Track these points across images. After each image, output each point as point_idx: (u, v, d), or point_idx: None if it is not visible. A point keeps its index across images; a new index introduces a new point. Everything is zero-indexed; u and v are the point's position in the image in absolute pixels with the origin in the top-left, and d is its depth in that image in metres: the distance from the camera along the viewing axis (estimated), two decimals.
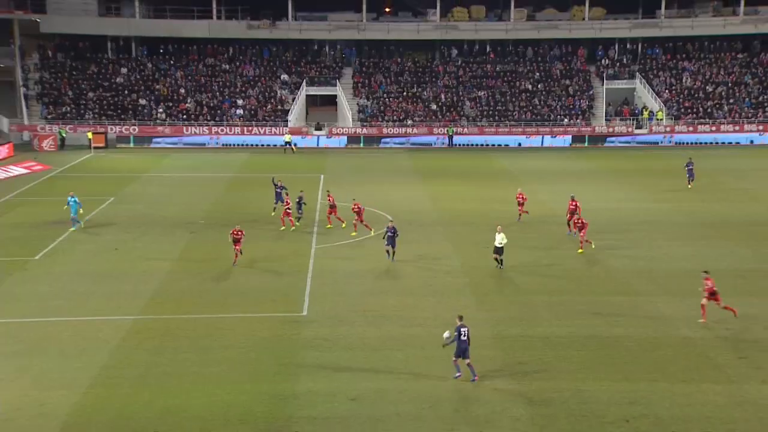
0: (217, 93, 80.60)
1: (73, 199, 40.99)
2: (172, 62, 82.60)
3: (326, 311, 29.65)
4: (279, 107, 79.57)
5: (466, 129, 76.35)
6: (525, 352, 25.93)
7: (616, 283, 32.63)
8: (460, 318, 24.13)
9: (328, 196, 42.35)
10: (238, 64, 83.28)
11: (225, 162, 66.94)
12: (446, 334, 23.95)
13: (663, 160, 64.93)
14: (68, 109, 77.39)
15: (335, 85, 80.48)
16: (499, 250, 33.92)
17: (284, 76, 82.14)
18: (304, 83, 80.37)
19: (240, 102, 79.60)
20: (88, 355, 25.50)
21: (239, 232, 35.52)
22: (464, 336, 23.70)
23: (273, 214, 43.31)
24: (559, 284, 32.42)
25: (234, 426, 21.63)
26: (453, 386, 23.64)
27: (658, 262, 35.48)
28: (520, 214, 42.81)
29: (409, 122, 77.91)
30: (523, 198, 42.82)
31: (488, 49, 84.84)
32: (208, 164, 65.66)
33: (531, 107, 78.86)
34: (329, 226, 41.26)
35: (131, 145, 74.01)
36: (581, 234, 36.45)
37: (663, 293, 31.25)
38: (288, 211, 40.85)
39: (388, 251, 35.21)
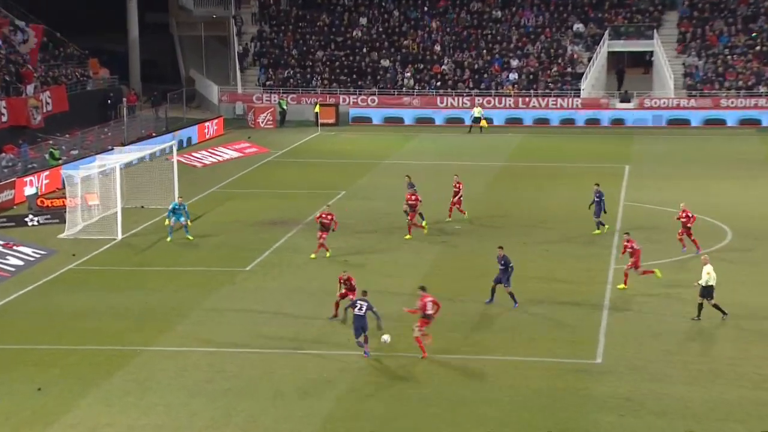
0: (484, 51, 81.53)
1: (181, 207, 42.61)
2: (425, 8, 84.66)
3: (629, 359, 29.00)
4: (569, 69, 78.98)
5: None
6: None
7: None
8: (364, 293, 29.35)
9: (457, 183, 44.79)
10: (514, 9, 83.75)
11: (491, 145, 67.47)
12: (385, 338, 28.98)
13: None
14: (291, 73, 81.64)
15: (651, 38, 78.53)
16: (705, 291, 31.81)
17: (578, 26, 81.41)
18: (606, 36, 79.19)
19: (515, 63, 79.93)
20: (309, 399, 26.47)
21: (329, 216, 38.05)
22: (359, 310, 28.73)
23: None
24: None
25: None
26: None
27: None
28: None
29: (763, 90, 74.25)
30: None
31: None
32: (469, 148, 66.46)
33: None
34: (449, 219, 44.57)
35: (370, 121, 76.64)
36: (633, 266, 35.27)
37: None
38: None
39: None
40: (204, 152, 64.26)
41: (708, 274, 31.74)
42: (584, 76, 77.01)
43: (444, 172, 54.62)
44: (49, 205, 48.65)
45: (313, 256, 39.15)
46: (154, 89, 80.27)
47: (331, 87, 79.91)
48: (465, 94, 77.66)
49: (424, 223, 43.06)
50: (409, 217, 42.31)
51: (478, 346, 30.23)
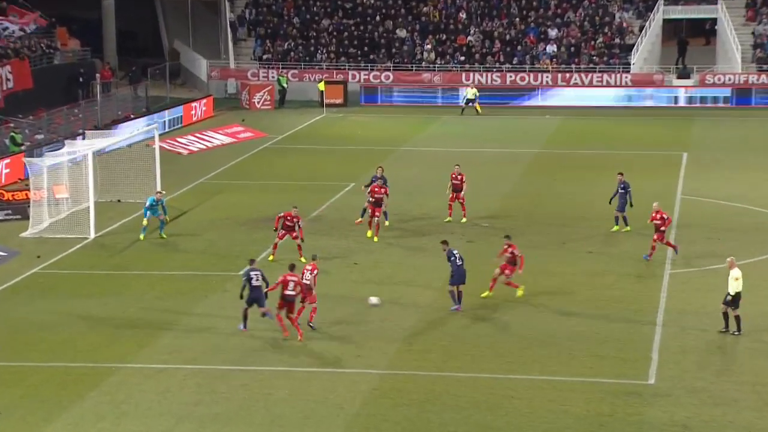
0: (517, 19, 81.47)
1: (159, 203, 42.69)
2: None
3: (687, 380, 29.02)
4: (616, 40, 78.86)
5: None
6: None
7: None
8: (251, 261, 32.71)
9: (458, 175, 44.58)
10: None
11: (525, 129, 67.50)
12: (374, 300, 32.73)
13: None
14: (292, 45, 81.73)
15: (714, 2, 78.31)
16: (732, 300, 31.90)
17: None
18: (660, 1, 78.99)
19: (553, 33, 79.86)
20: (312, 425, 26.51)
21: (294, 218, 38.73)
22: (256, 281, 31.61)
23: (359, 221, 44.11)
24: None
25: None
26: None
27: None
28: None
29: None
30: None
31: None
32: (499, 133, 66.49)
33: None
34: (448, 219, 44.60)
35: (383, 100, 76.69)
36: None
37: None
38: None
39: None
40: (190, 137, 64.43)
41: (737, 280, 31.68)
42: (635, 48, 76.92)
43: (472, 160, 54.70)
44: (10, 198, 48.80)
45: (271, 258, 39.26)
46: (133, 64, 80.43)
47: (338, 61, 79.99)
48: (495, 70, 77.62)
49: (387, 223, 43.58)
50: (370, 213, 42.34)
51: (509, 364, 30.22)
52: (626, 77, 75.79)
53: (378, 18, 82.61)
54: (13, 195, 48.96)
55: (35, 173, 46.18)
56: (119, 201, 48.57)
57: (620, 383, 28.81)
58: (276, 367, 29.99)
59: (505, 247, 35.55)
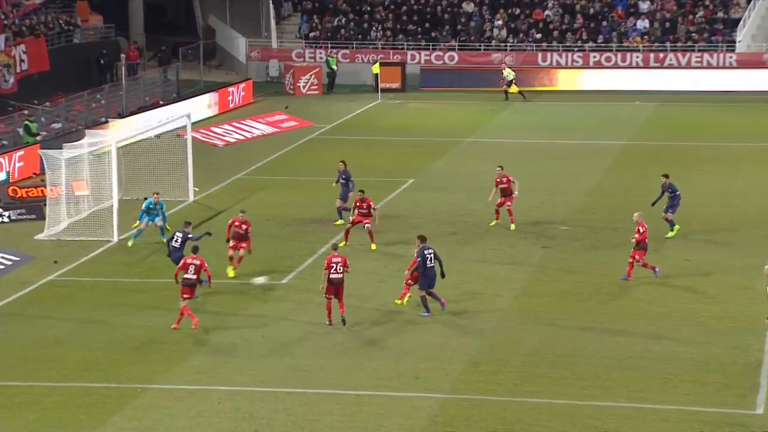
0: None
1: (157, 205, 42.84)
2: None
3: None
4: (719, 14, 78.29)
5: None
6: None
7: None
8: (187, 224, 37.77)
9: (503, 178, 44.03)
10: None
11: (611, 117, 67.21)
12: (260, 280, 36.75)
13: None
14: (343, 21, 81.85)
15: None
16: None
17: None
18: None
19: (645, 6, 79.46)
20: None
21: (243, 225, 38.78)
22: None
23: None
24: None
25: None
26: None
27: None
28: None
29: None
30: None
31: None
32: (580, 121, 66.27)
33: None
34: (495, 222, 44.51)
35: (446, 84, 76.59)
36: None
37: None
38: None
39: None
40: (227, 126, 64.72)
41: None
42: (741, 23, 76.38)
43: (549, 153, 54.51)
44: (24, 195, 49.24)
45: (231, 273, 39.15)
46: (162, 43, 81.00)
47: (395, 40, 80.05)
48: (576, 49, 77.31)
49: (339, 222, 44.20)
50: (352, 221, 42.48)
51: (592, 388, 30.08)
52: (731, 57, 75.22)
53: None
54: (27, 192, 49.38)
55: (52, 167, 46.38)
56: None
57: (723, 412, 28.57)
58: (323, 390, 30.03)
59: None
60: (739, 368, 31.33)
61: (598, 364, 31.70)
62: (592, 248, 41.83)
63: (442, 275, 35.28)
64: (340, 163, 45.68)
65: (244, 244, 38.93)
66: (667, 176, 43.43)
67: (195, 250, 34.70)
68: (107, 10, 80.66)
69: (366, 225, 41.50)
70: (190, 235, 37.20)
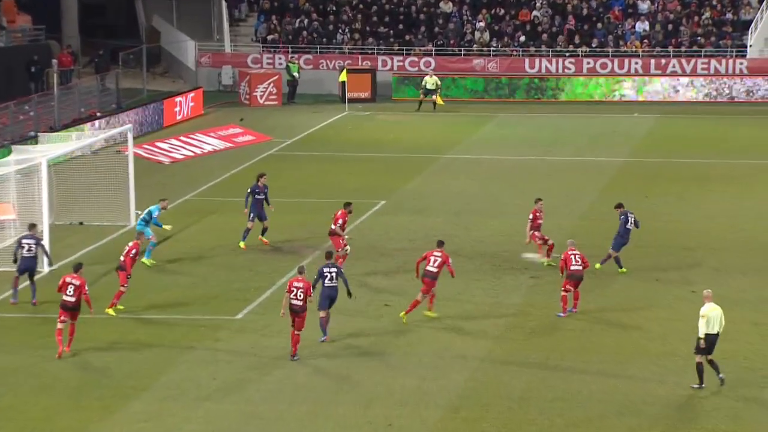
0: None
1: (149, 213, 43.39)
2: None
3: None
4: (728, 16, 78.63)
5: None
6: None
7: None
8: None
9: (539, 211, 44.13)
10: None
11: (606, 131, 67.31)
12: None
13: None
14: (306, 23, 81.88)
15: None
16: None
17: None
18: None
19: (644, 6, 79.79)
20: None
21: (133, 249, 39.07)
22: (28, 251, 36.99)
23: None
24: None
25: None
26: None
27: None
28: None
29: None
30: None
31: None
32: (573, 136, 66.44)
33: None
34: (547, 261, 44.09)
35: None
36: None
37: None
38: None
39: None
40: (174, 141, 64.62)
41: (703, 317, 32.38)
42: (753, 25, 76.72)
43: (537, 171, 54.52)
44: None
45: (113, 311, 39.00)
46: (100, 47, 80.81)
47: (365, 44, 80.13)
48: (567, 54, 77.54)
49: (264, 237, 45.68)
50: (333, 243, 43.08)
51: None
52: (741, 63, 75.56)
53: None
54: None
55: None
56: (81, 224, 48.69)
57: None
58: None
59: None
60: (750, 414, 31.36)
61: (593, 410, 31.68)
62: (586, 278, 41.74)
63: (348, 294, 36.05)
64: (262, 177, 46.30)
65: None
66: (620, 205, 43.34)
67: (77, 268, 35.01)
68: (37, 9, 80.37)
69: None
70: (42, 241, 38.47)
